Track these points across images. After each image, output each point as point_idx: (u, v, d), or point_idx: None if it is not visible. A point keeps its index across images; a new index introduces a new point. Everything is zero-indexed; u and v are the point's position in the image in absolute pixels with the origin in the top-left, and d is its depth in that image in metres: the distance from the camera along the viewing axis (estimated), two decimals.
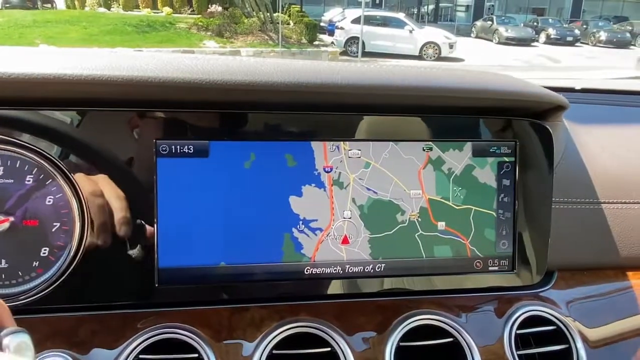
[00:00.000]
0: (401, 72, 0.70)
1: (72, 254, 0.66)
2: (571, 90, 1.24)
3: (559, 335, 0.77)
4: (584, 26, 23.28)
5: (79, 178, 0.66)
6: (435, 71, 0.73)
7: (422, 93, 0.70)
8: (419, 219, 0.76)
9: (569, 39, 21.03)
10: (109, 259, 0.68)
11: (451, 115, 0.77)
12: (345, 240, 0.74)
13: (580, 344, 0.76)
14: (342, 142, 0.73)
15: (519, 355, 0.74)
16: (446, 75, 0.72)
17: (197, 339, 0.68)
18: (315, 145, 0.72)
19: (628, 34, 21.01)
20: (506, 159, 0.78)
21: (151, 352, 0.67)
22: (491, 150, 0.78)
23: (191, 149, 0.69)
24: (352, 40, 14.96)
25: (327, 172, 0.73)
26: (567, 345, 0.76)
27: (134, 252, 0.69)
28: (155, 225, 0.69)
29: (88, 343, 0.67)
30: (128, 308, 0.70)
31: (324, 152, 0.72)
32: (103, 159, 0.67)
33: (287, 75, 0.66)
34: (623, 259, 0.87)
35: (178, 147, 0.69)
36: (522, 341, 0.76)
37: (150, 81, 0.62)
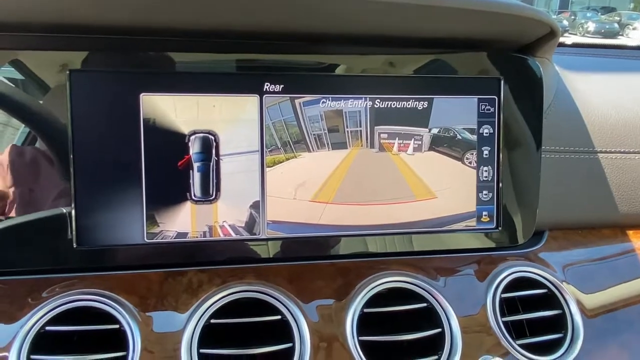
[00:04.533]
0: None
1: None
2: (562, 45, 1.14)
3: (550, 300, 0.67)
4: (572, 17, 23.32)
5: None
6: None
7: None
8: None
9: None
10: (13, 213, 0.57)
11: (428, 50, 0.66)
12: None
13: (575, 309, 0.65)
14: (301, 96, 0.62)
15: (504, 323, 0.63)
16: None
17: (118, 307, 0.56)
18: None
19: (616, 25, 21.06)
20: (488, 97, 0.67)
21: (64, 323, 0.55)
22: (472, 88, 0.67)
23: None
24: None
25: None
26: (560, 311, 0.66)
27: (47, 207, 0.57)
28: (71, 174, 0.57)
29: None
30: (42, 273, 0.59)
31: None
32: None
33: None
34: (622, 216, 0.76)
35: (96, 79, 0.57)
36: (507, 307, 0.65)
37: None
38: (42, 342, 0.54)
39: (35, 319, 0.55)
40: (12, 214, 0.57)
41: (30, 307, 0.56)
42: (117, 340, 0.56)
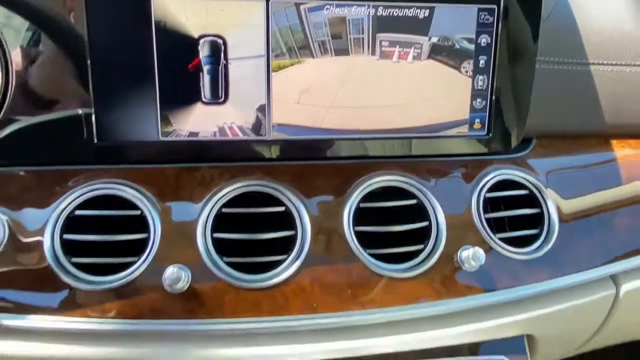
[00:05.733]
0: None
1: None
2: None
3: (532, 201, 0.73)
4: None
5: None
6: None
7: None
8: None
9: None
10: (40, 112, 0.61)
11: None
12: None
13: (553, 209, 0.72)
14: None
15: (486, 219, 0.70)
16: None
17: (140, 195, 0.63)
18: None
19: None
20: (487, 6, 0.69)
21: (91, 209, 0.62)
22: None
23: None
24: None
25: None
26: (538, 210, 0.72)
27: (68, 104, 0.61)
28: (89, 76, 0.61)
29: (18, 198, 0.62)
30: (65, 165, 0.65)
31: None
32: None
33: None
34: (610, 126, 0.80)
35: None
36: (492, 206, 0.72)
37: None
38: (71, 226, 0.61)
39: (65, 204, 0.61)
40: (39, 111, 0.61)
41: (60, 194, 0.62)
42: (138, 227, 0.62)
